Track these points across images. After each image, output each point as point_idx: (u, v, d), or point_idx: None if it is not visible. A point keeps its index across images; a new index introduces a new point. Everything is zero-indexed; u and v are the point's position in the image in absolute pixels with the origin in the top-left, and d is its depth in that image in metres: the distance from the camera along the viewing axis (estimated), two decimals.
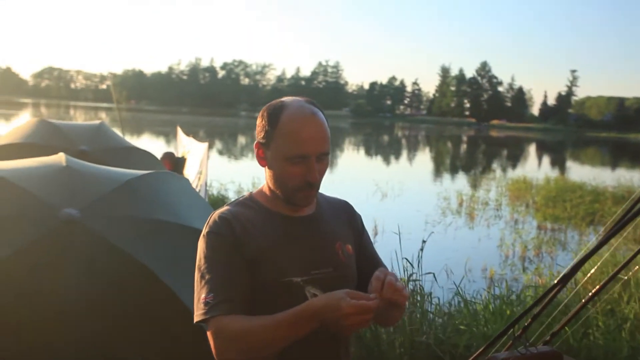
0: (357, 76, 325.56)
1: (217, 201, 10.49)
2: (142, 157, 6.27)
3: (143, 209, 3.13)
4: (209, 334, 1.52)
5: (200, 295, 1.56)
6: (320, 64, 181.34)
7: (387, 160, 29.93)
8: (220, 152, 27.68)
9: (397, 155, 33.87)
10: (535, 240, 10.19)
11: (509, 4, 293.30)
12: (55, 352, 2.58)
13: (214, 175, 13.69)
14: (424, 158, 34.56)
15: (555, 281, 2.34)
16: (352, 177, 19.26)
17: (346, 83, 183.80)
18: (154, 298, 2.71)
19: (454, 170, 25.84)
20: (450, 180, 20.39)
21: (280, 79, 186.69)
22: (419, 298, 4.61)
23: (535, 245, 9.79)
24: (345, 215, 1.84)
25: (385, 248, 5.62)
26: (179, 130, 12.83)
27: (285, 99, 1.69)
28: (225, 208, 1.70)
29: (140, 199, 3.21)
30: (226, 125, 58.79)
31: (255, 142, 1.69)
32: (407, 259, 4.86)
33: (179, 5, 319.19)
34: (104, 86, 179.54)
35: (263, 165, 1.69)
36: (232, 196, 12.01)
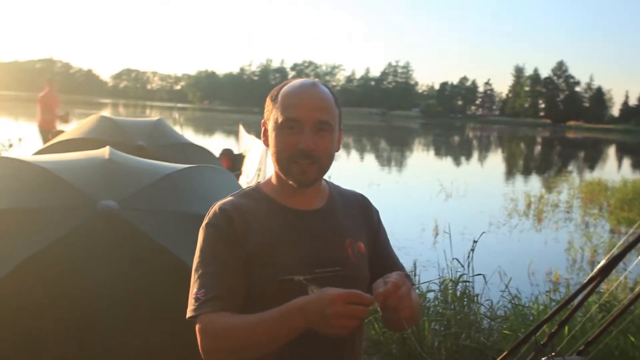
0: (428, 76, 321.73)
1: None
2: (199, 154, 6.35)
3: (181, 203, 3.13)
4: (196, 331, 1.45)
5: (192, 289, 1.49)
6: (390, 64, 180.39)
7: (455, 161, 29.31)
8: None
9: (467, 156, 33.09)
10: (606, 244, 9.66)
11: (586, 1, 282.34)
12: (88, 339, 2.60)
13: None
14: (494, 159, 33.64)
15: (588, 279, 1.95)
16: (417, 177, 18.96)
17: (416, 83, 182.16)
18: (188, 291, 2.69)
19: (524, 172, 25.01)
20: (519, 181, 19.71)
21: (349, 79, 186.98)
22: (466, 300, 4.41)
23: (607, 249, 9.26)
24: (359, 210, 1.71)
25: (443, 249, 5.51)
26: (241, 128, 12.95)
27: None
28: (227, 199, 1.60)
29: (179, 193, 3.20)
30: None
31: (262, 122, 1.62)
32: (457, 259, 4.68)
33: (251, 7, 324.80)
34: (178, 87, 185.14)
35: (267, 145, 1.59)
36: None
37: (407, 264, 5.56)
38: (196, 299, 1.46)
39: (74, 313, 2.62)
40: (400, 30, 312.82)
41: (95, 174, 3.08)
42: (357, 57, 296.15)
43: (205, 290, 1.45)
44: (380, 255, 1.68)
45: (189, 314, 1.47)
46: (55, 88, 9.28)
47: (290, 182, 1.54)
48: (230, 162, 9.80)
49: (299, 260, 1.51)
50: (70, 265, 2.68)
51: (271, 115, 1.56)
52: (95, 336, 2.63)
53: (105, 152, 3.31)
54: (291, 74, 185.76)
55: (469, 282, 4.54)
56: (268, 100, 1.59)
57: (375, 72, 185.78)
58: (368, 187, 14.42)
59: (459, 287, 4.55)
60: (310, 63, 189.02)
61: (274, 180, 1.62)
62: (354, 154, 29.19)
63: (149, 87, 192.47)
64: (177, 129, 7.18)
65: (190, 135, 28.77)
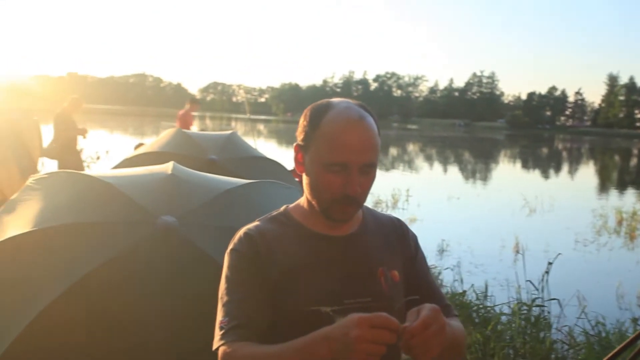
0: (514, 86, 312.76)
1: None
2: (271, 167, 6.37)
3: (240, 219, 3.09)
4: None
5: (218, 317, 1.44)
6: (474, 74, 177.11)
7: (542, 174, 28.16)
8: None
9: (554, 169, 31.72)
10: None
11: None
12: (145, 353, 2.61)
13: None
14: (585, 172, 32.07)
15: None
16: (500, 190, 18.35)
17: (502, 93, 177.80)
18: None
19: (617, 186, 23.67)
20: (611, 196, 18.66)
21: (432, 90, 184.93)
22: (542, 325, 4.13)
23: None
24: (394, 236, 1.60)
25: (528, 269, 5.23)
26: None
27: (333, 99, 1.49)
28: (254, 224, 1.54)
29: (238, 209, 3.18)
30: None
31: (295, 144, 1.51)
32: (530, 281, 4.40)
33: (333, 20, 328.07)
34: (262, 99, 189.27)
35: (301, 172, 1.51)
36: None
37: (479, 284, 5.32)
38: (220, 328, 1.41)
39: (131, 327, 2.64)
40: (485, 40, 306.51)
41: (156, 190, 3.11)
42: (441, 68, 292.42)
43: (230, 318, 1.40)
44: (417, 284, 1.56)
45: (214, 345, 1.41)
46: (195, 108, 10.02)
47: (328, 218, 1.47)
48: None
49: (326, 290, 1.42)
50: (130, 280, 2.70)
51: (311, 144, 1.44)
52: (153, 350, 2.64)
53: (168, 167, 3.34)
54: (373, 85, 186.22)
55: (543, 306, 4.27)
56: (305, 122, 1.47)
57: (459, 83, 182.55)
58: (447, 200, 14.10)
59: (534, 310, 4.27)
60: (393, 74, 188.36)
61: (304, 205, 1.54)
62: (435, 166, 28.70)
63: (234, 99, 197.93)
64: (250, 141, 7.24)
65: (272, 147, 29.22)
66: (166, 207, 2.91)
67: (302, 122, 1.49)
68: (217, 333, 1.42)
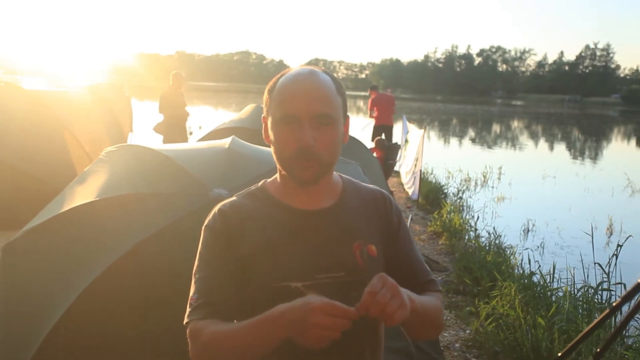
0: (632, 59, 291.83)
1: (434, 189, 10.25)
2: (347, 144, 6.41)
3: None
4: (187, 337, 1.39)
5: (189, 294, 1.45)
6: (587, 46, 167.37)
7: None
8: (459, 141, 27.06)
9: None
10: None
11: None
12: None
13: (442, 163, 13.48)
14: None
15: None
16: (601, 169, 17.39)
17: (617, 67, 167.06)
18: None
19: None
20: None
21: (540, 64, 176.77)
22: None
23: None
24: (373, 208, 1.54)
25: (620, 252, 4.97)
26: (404, 118, 12.86)
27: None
28: (229, 200, 1.53)
29: None
30: (475, 113, 57.26)
31: (262, 117, 1.50)
32: (599, 264, 4.19)
33: None
34: (363, 75, 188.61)
35: (268, 142, 1.47)
36: (455, 185, 11.66)
37: (562, 265, 5.11)
38: (189, 305, 1.41)
39: (176, 297, 2.78)
40: (602, 9, 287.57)
41: (213, 163, 3.24)
42: (551, 41, 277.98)
43: (198, 295, 1.40)
44: (398, 261, 1.52)
45: (184, 320, 1.41)
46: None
47: (293, 181, 1.44)
48: (382, 151, 9.78)
49: (297, 265, 1.39)
50: (179, 249, 2.83)
51: (269, 110, 1.44)
52: None
53: (227, 142, 3.46)
54: (477, 60, 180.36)
55: (611, 290, 4.06)
56: (266, 93, 1.47)
57: (570, 56, 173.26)
58: (542, 179, 13.55)
59: (603, 295, 4.07)
60: (499, 48, 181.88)
61: (278, 179, 1.52)
62: (536, 144, 27.53)
63: (335, 75, 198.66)
64: None
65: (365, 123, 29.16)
66: (220, 179, 3.03)
67: (264, 94, 1.48)
68: (187, 309, 1.41)
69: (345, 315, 1.17)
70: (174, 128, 8.83)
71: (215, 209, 1.50)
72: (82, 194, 3.15)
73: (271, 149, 1.46)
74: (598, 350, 1.40)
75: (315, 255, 1.41)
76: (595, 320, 1.40)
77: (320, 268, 1.39)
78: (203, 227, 1.49)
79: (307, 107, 1.36)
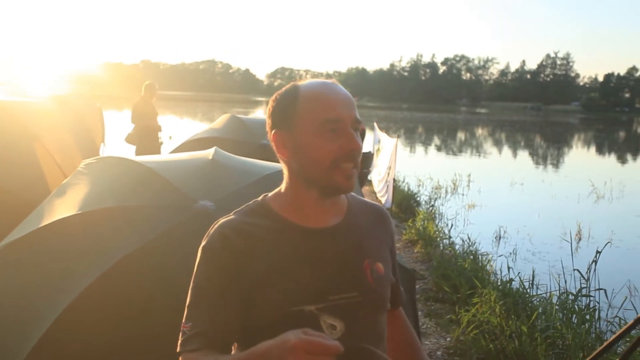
0: (590, 68, 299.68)
1: (408, 197, 10.34)
2: None
3: None
4: None
5: (184, 317, 1.36)
6: (548, 55, 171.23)
7: (615, 159, 27.00)
8: (425, 148, 27.35)
9: (631, 154, 30.32)
10: None
11: None
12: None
13: (412, 171, 13.60)
14: None
15: None
16: (566, 176, 17.74)
17: (577, 75, 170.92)
18: None
19: None
20: None
21: (503, 73, 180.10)
22: (588, 317, 4.00)
23: None
24: (378, 225, 1.51)
25: (586, 258, 5.08)
26: (376, 126, 12.94)
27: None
28: (228, 217, 1.42)
29: None
30: (441, 121, 57.97)
31: (273, 132, 1.39)
32: (578, 270, 4.27)
33: (403, 2, 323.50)
34: None
35: (285, 157, 1.38)
36: (426, 193, 11.77)
37: (533, 272, 5.19)
38: (182, 333, 1.34)
39: (163, 310, 2.72)
40: (561, 20, 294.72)
41: (196, 175, 3.20)
42: (513, 50, 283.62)
43: (192, 324, 1.32)
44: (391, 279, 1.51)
45: (177, 348, 1.34)
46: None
47: (317, 193, 1.38)
48: None
49: (309, 287, 1.32)
50: (166, 263, 2.79)
51: (294, 119, 1.35)
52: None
53: (210, 153, 3.43)
54: (442, 68, 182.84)
55: (590, 296, 4.14)
56: (281, 105, 1.39)
57: (532, 65, 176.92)
58: (510, 186, 13.77)
59: (582, 301, 4.14)
60: (462, 57, 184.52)
61: (285, 193, 1.43)
62: (502, 151, 28.00)
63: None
64: None
65: None
66: (205, 191, 2.99)
67: (275, 108, 1.41)
68: (180, 337, 1.35)
69: (326, 352, 1.07)
70: (146, 139, 8.76)
71: (214, 229, 1.41)
72: (63, 207, 3.08)
73: (286, 163, 1.40)
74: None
75: (327, 275, 1.35)
76: (620, 331, 1.42)
77: (332, 289, 1.34)
78: (201, 247, 1.39)
79: (348, 111, 1.34)
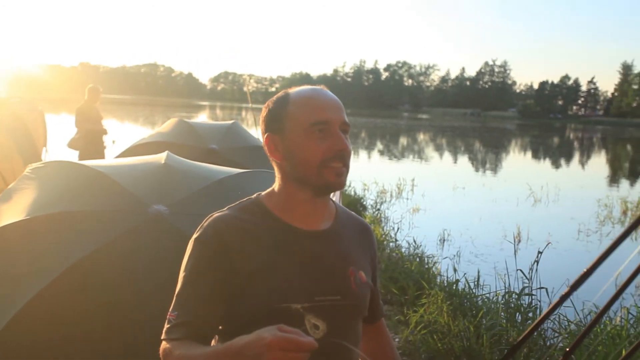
0: (526, 75, 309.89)
1: (355, 202, 10.48)
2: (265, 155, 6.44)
3: None
4: (160, 354, 1.36)
5: (171, 307, 1.40)
6: (486, 63, 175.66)
7: (550, 164, 28.02)
8: (369, 153, 27.71)
9: (565, 159, 31.56)
10: None
11: None
12: (133, 340, 2.66)
13: (357, 176, 13.75)
14: (595, 162, 31.86)
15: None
16: (505, 181, 18.32)
17: (514, 83, 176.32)
18: None
19: (627, 177, 23.52)
20: (620, 187, 18.54)
21: (444, 79, 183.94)
22: (531, 314, 4.19)
23: None
24: (363, 238, 1.60)
25: (526, 258, 5.28)
26: None
27: None
28: (222, 212, 1.48)
29: (230, 198, 3.21)
30: (385, 127, 58.78)
31: (265, 136, 1.46)
32: (521, 271, 4.45)
33: (345, 8, 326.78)
34: (273, 89, 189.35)
35: (278, 159, 1.45)
36: (372, 197, 11.94)
37: (476, 273, 5.37)
38: (168, 321, 1.37)
39: (121, 314, 2.69)
40: (498, 29, 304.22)
41: (149, 179, 3.17)
42: (453, 57, 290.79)
43: (178, 313, 1.36)
44: (372, 288, 1.60)
45: (162, 335, 1.38)
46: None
47: (311, 192, 1.43)
48: None
49: (298, 286, 1.39)
50: (119, 268, 2.75)
51: (285, 123, 1.42)
52: (141, 337, 2.67)
53: (162, 157, 3.40)
54: (385, 74, 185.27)
55: (532, 295, 4.32)
56: (273, 110, 1.46)
57: (471, 72, 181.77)
58: (452, 190, 14.12)
59: (524, 299, 4.32)
60: (404, 63, 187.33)
61: (278, 193, 1.49)
62: (443, 156, 28.64)
63: (245, 89, 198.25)
64: (253, 131, 7.30)
65: None
66: (158, 195, 2.97)
67: (267, 113, 1.48)
68: (165, 325, 1.38)
69: (301, 349, 1.10)
70: (91, 143, 8.57)
71: (207, 222, 1.45)
72: (9, 213, 2.99)
73: (278, 165, 1.47)
74: (567, 350, 1.50)
75: (315, 277, 1.42)
76: (544, 313, 1.51)
77: (318, 290, 1.41)
78: (193, 238, 1.45)
79: (336, 114, 1.42)
